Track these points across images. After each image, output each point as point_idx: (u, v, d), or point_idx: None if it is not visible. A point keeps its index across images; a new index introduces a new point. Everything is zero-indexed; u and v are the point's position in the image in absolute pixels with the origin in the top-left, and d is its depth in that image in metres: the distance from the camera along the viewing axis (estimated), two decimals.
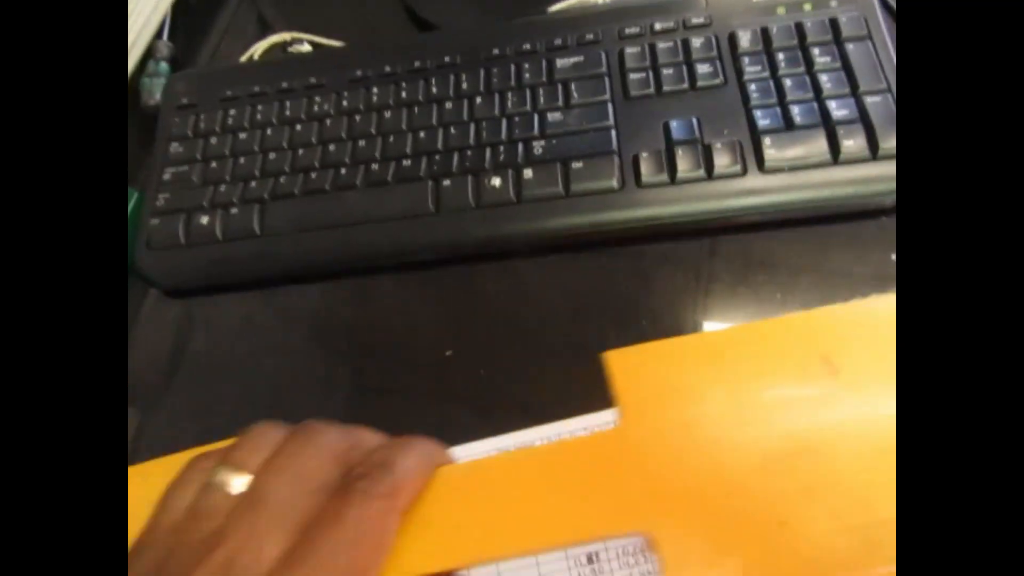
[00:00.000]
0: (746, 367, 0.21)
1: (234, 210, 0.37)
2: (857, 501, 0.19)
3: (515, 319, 0.34)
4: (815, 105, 0.34)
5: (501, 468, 0.22)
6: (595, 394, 0.30)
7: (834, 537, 0.19)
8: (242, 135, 0.40)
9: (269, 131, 0.40)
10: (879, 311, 0.22)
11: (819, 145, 0.33)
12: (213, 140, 0.40)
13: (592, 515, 0.20)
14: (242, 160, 0.39)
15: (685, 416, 0.21)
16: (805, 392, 0.21)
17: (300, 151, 0.38)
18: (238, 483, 0.20)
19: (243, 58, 0.46)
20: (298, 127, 0.39)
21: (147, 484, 0.24)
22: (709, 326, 0.32)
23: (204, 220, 0.37)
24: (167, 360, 0.36)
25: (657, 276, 0.33)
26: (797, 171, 0.33)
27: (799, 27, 0.36)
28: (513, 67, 0.38)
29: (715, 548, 0.19)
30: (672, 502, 0.20)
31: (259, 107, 0.40)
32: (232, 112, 0.41)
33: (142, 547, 0.20)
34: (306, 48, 0.46)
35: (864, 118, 0.33)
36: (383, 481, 0.19)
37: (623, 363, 0.23)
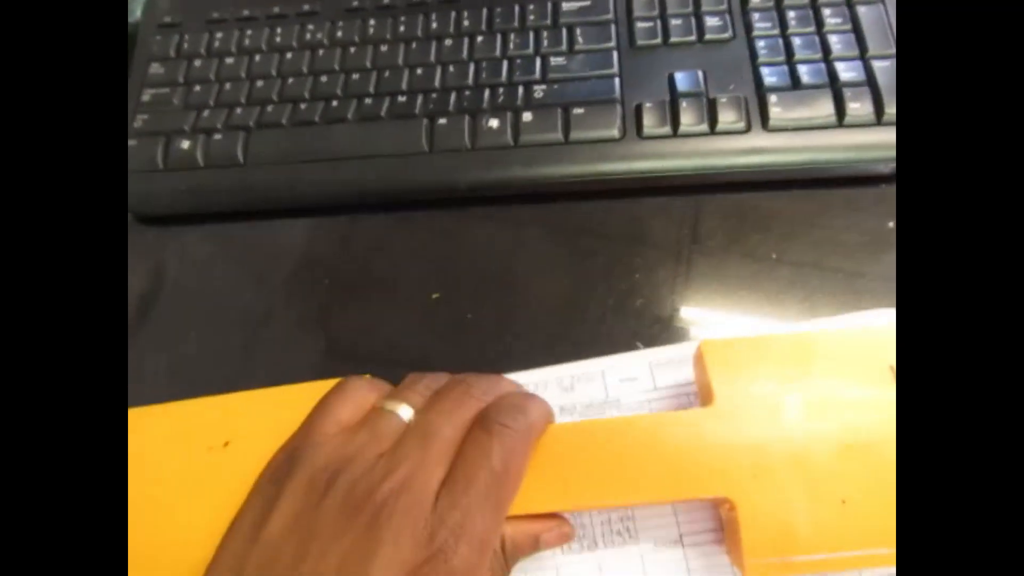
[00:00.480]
0: (824, 367, 0.24)
1: (217, 136, 0.36)
2: None
3: (505, 265, 0.33)
4: (823, 66, 0.33)
5: (603, 430, 0.24)
6: (580, 343, 0.30)
7: (884, 517, 0.22)
8: (228, 60, 0.38)
9: (258, 58, 0.38)
10: None
11: (825, 106, 0.32)
12: (197, 63, 0.38)
13: (682, 478, 0.23)
14: (227, 86, 0.37)
15: (769, 403, 0.24)
16: (872, 395, 0.24)
17: (289, 80, 0.37)
18: (405, 413, 0.23)
19: None
20: (288, 55, 0.38)
21: (146, 427, 0.26)
22: (702, 283, 0.31)
23: (185, 145, 0.35)
24: (138, 290, 0.35)
25: (652, 229, 0.33)
26: (801, 131, 0.32)
27: None
28: (517, 7, 0.37)
29: (785, 516, 0.22)
30: (752, 473, 0.23)
31: (248, 32, 0.38)
32: (219, 35, 0.39)
33: (312, 446, 0.22)
34: None
35: (871, 82, 0.32)
36: (519, 420, 0.22)
37: (716, 351, 0.25)
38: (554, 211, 0.34)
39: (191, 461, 0.25)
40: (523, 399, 0.24)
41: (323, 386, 0.25)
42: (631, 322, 0.30)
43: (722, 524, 0.25)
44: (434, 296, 0.32)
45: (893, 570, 0.23)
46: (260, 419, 0.25)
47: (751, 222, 0.32)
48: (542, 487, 0.23)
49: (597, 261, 0.32)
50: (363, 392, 0.24)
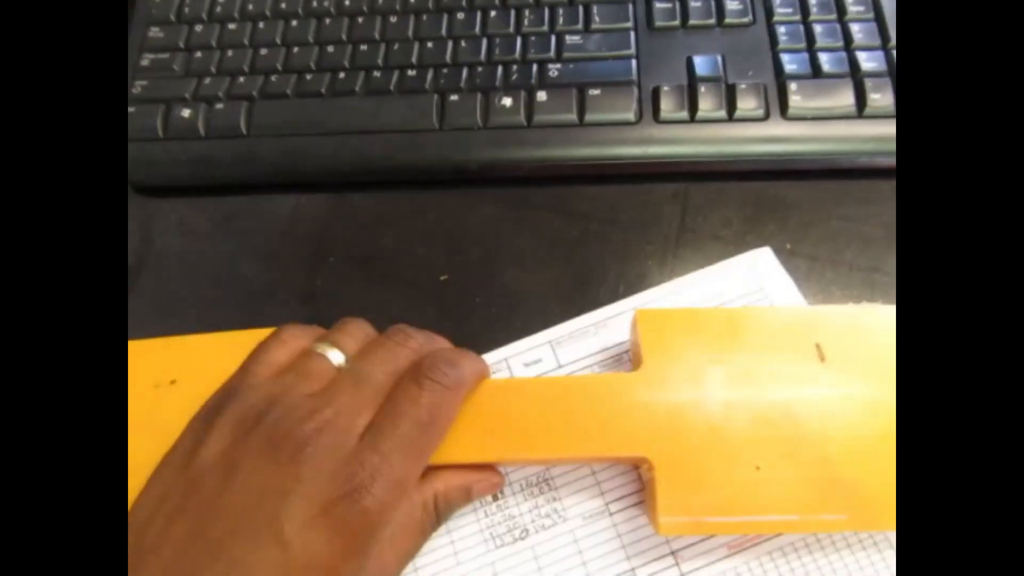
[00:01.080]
0: (751, 341, 0.25)
1: (219, 105, 0.34)
2: (820, 461, 0.23)
3: (514, 248, 0.32)
4: (844, 55, 0.33)
5: (534, 388, 0.26)
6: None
7: (797, 485, 0.23)
8: (231, 26, 0.37)
9: (262, 24, 0.36)
10: (878, 319, 0.26)
11: (845, 96, 0.32)
12: (199, 28, 0.37)
13: (606, 436, 0.24)
14: (230, 53, 0.36)
15: (694, 371, 0.25)
16: (795, 370, 0.25)
17: (295, 49, 0.36)
18: (336, 357, 0.24)
19: None
20: (294, 23, 0.36)
21: (144, 359, 0.28)
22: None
23: (185, 113, 0.34)
24: (133, 263, 0.34)
25: (664, 215, 0.32)
26: (820, 121, 0.32)
27: None
28: None
29: (700, 478, 0.23)
30: (671, 436, 0.24)
31: None
32: (221, 0, 0.37)
33: (245, 387, 0.23)
34: None
35: (893, 72, 0.32)
36: (449, 375, 0.23)
37: (649, 320, 0.26)
38: (566, 193, 0.33)
39: (138, 396, 0.26)
40: (457, 354, 0.24)
41: (262, 333, 0.27)
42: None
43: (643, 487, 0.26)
44: (442, 278, 0.32)
45: (801, 536, 0.25)
46: (206, 360, 0.27)
47: (767, 211, 0.32)
48: (473, 438, 0.24)
49: (608, 246, 0.32)
50: (298, 337, 0.25)
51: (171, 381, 0.27)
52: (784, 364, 0.25)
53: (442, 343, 0.26)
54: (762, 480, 0.23)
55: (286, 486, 0.20)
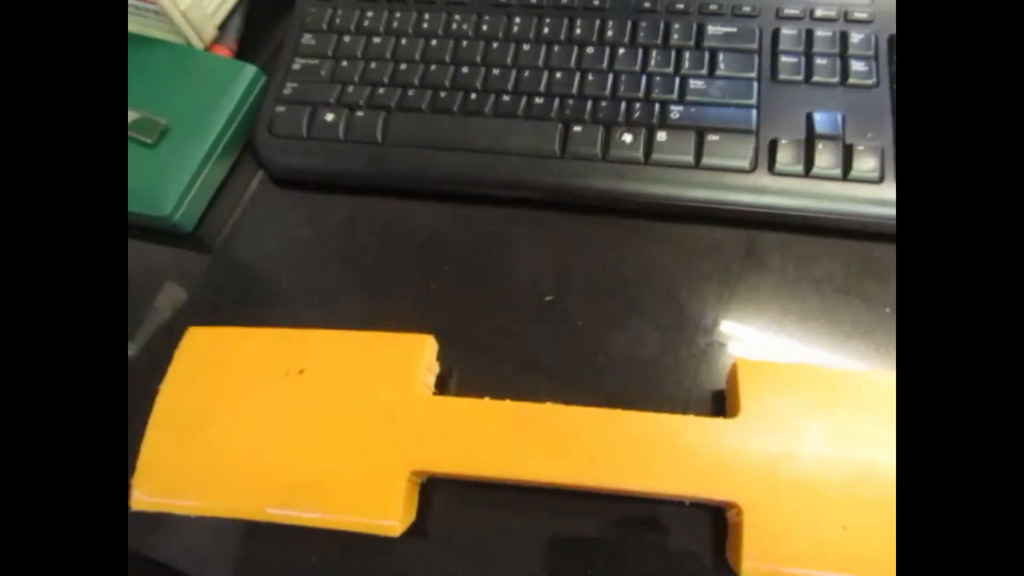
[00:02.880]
0: (845, 401, 0.27)
1: (360, 113, 0.37)
2: None
3: (620, 277, 0.34)
4: None
5: (641, 422, 0.27)
6: (684, 361, 0.31)
7: (881, 549, 0.24)
8: (376, 39, 0.39)
9: (404, 41, 0.39)
10: None
11: None
12: (347, 39, 0.40)
13: (702, 477, 0.26)
14: (373, 65, 0.39)
15: (789, 424, 0.26)
16: (888, 434, 0.26)
17: (432, 67, 0.38)
18: None
19: None
20: (433, 42, 0.39)
21: (236, 346, 0.31)
22: (813, 325, 0.32)
23: (329, 117, 0.37)
24: (267, 250, 0.37)
25: (771, 263, 0.33)
26: None
27: None
28: (663, 24, 0.38)
29: (787, 529, 0.24)
30: (763, 484, 0.25)
31: (397, 14, 0.40)
32: (369, 14, 0.40)
33: None
34: None
35: None
36: None
37: (749, 370, 0.28)
38: (675, 232, 0.35)
39: (271, 382, 0.29)
40: None
41: (390, 337, 0.29)
42: (735, 349, 0.31)
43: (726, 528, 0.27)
44: (547, 298, 0.34)
45: None
46: (333, 353, 0.29)
47: (871, 272, 0.33)
48: (575, 462, 0.26)
49: (710, 285, 0.33)
50: None
51: (300, 370, 0.29)
52: (876, 427, 0.26)
53: None
54: (848, 539, 0.24)
55: None
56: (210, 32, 0.42)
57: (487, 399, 0.28)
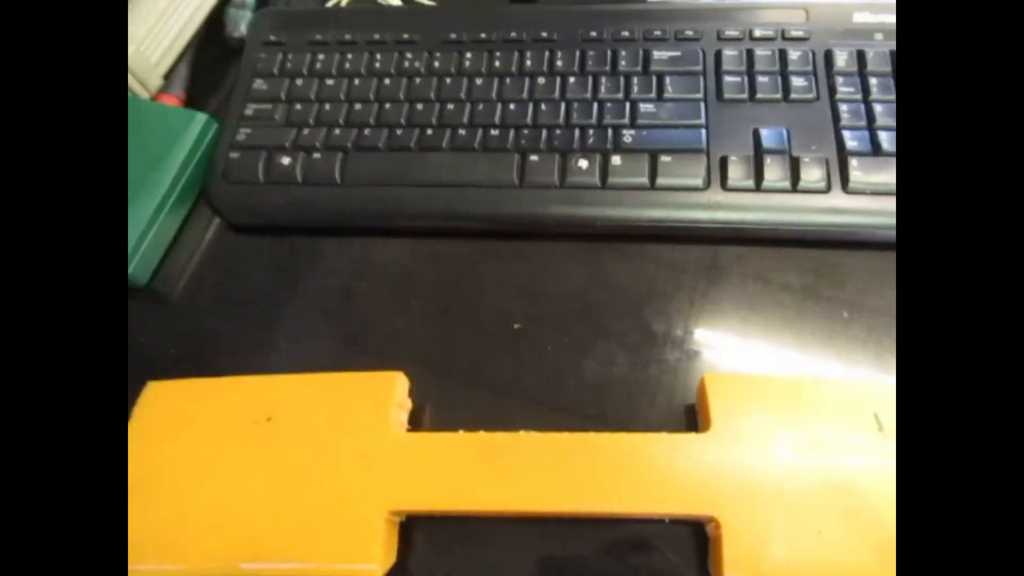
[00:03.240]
0: (816, 410, 0.27)
1: (316, 155, 0.37)
2: (879, 529, 0.25)
3: (586, 301, 0.34)
4: None
5: (610, 443, 0.27)
6: (656, 379, 0.31)
7: (856, 551, 0.24)
8: (329, 81, 0.40)
9: (357, 81, 0.40)
10: None
11: None
12: (299, 82, 0.40)
13: (676, 494, 0.26)
14: (327, 107, 0.39)
15: (761, 435, 0.27)
16: (855, 439, 0.26)
17: (387, 105, 0.39)
18: None
19: (330, 3, 0.46)
20: (386, 81, 0.39)
21: (199, 398, 0.30)
22: (776, 334, 0.32)
23: (285, 161, 0.37)
24: (228, 296, 0.37)
25: (729, 278, 0.34)
26: (879, 196, 0.33)
27: (894, 55, 0.37)
28: (610, 52, 0.39)
29: (765, 538, 0.25)
30: (739, 497, 0.25)
31: (348, 55, 0.40)
32: (321, 57, 0.40)
33: None
34: (395, 2, 0.46)
35: None
36: None
37: (718, 384, 0.28)
38: (636, 251, 0.35)
39: (238, 432, 0.29)
40: None
41: (359, 377, 0.29)
42: (703, 363, 0.32)
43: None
44: (516, 326, 0.34)
45: None
46: (300, 398, 0.29)
47: (826, 279, 0.34)
48: (549, 487, 0.26)
49: (673, 304, 0.34)
50: None
51: (267, 418, 0.29)
52: (845, 433, 0.27)
53: None
54: (823, 544, 0.25)
55: None
56: (155, 82, 0.42)
57: (461, 432, 0.28)
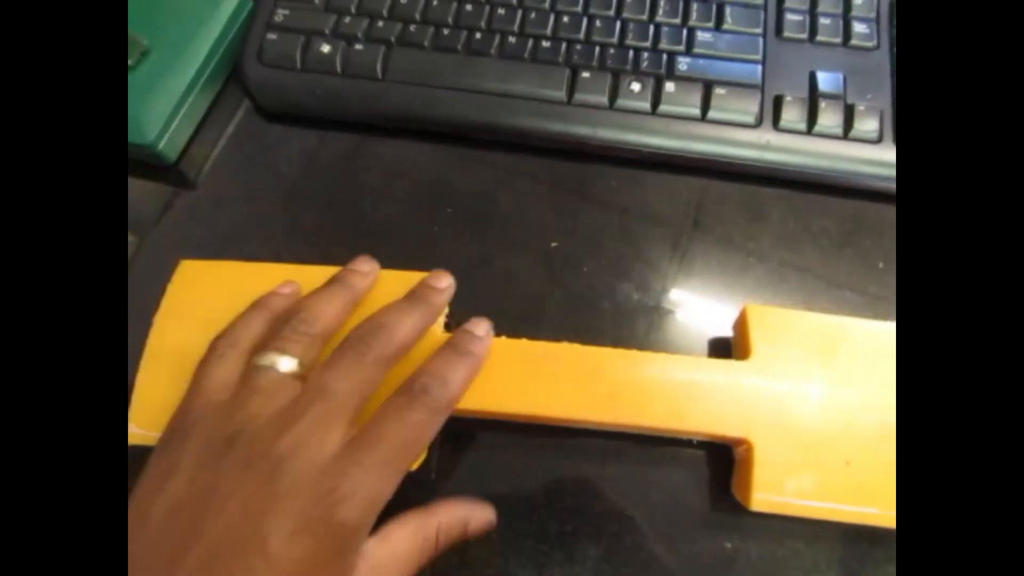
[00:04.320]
0: (850, 347, 0.28)
1: (358, 46, 0.36)
2: None
3: (624, 225, 0.34)
4: None
5: (656, 361, 0.28)
6: (687, 306, 0.32)
7: (881, 483, 0.25)
8: None
9: None
10: None
11: None
12: None
13: (714, 414, 0.27)
14: None
15: (797, 367, 0.27)
16: (887, 378, 0.27)
17: (434, 2, 0.37)
18: (285, 365, 0.24)
19: None
20: None
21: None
22: (811, 276, 0.33)
23: (325, 48, 0.36)
24: (256, 180, 0.35)
25: (771, 217, 0.34)
26: None
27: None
28: None
29: (794, 463, 0.26)
30: (773, 422, 0.26)
31: None
32: None
33: (202, 412, 0.23)
34: None
35: None
36: (441, 398, 0.24)
37: (759, 315, 0.29)
38: (679, 182, 0.35)
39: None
40: (448, 367, 0.25)
41: (400, 274, 0.29)
42: (735, 295, 0.32)
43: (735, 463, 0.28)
44: (553, 244, 0.34)
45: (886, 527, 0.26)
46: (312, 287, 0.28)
47: (867, 228, 0.34)
48: (597, 398, 0.26)
49: (714, 232, 0.34)
50: (237, 346, 0.25)
51: None
52: (880, 373, 0.27)
53: (406, 329, 0.26)
54: (850, 473, 0.25)
55: (266, 504, 0.21)
56: None
57: (503, 337, 0.28)
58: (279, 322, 0.26)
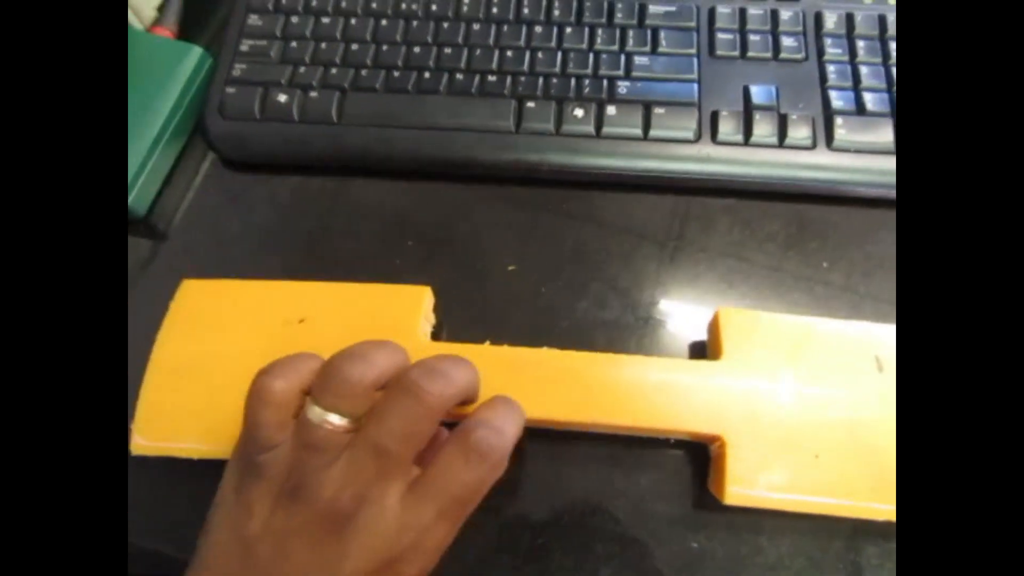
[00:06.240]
0: (820, 347, 0.29)
1: (313, 93, 0.37)
2: (872, 457, 0.27)
3: (578, 244, 0.35)
4: (887, 96, 0.36)
5: (631, 364, 0.29)
6: (648, 321, 0.33)
7: (850, 476, 0.26)
8: (325, 20, 0.39)
9: (353, 21, 0.39)
10: None
11: (886, 134, 0.35)
12: (294, 19, 0.40)
13: (687, 413, 0.28)
14: (323, 46, 0.39)
15: (767, 367, 0.29)
16: (856, 376, 0.28)
17: (384, 47, 0.39)
18: (335, 420, 0.23)
19: None
20: (384, 23, 0.39)
21: (232, 298, 0.31)
22: (758, 280, 0.34)
23: (282, 98, 0.37)
24: (226, 233, 0.37)
25: (717, 228, 0.36)
26: (862, 154, 0.35)
27: (882, 20, 0.38)
28: (606, 4, 0.39)
29: (766, 459, 0.27)
30: (744, 419, 0.28)
31: None
32: None
33: (266, 461, 0.23)
34: None
35: None
36: (496, 450, 0.23)
37: (730, 317, 0.30)
38: (628, 199, 0.36)
39: (270, 332, 0.30)
40: (502, 414, 0.24)
41: (390, 288, 0.30)
42: (687, 305, 0.33)
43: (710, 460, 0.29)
44: (510, 268, 0.35)
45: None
46: (332, 304, 0.30)
47: (809, 231, 0.35)
48: (572, 399, 0.28)
49: (664, 247, 0.35)
50: (285, 395, 0.24)
51: (300, 320, 0.30)
52: (847, 370, 0.28)
53: (461, 378, 0.25)
54: (820, 467, 0.26)
55: (334, 562, 0.22)
56: (149, 14, 0.41)
57: (487, 344, 0.29)
58: (332, 369, 0.24)
